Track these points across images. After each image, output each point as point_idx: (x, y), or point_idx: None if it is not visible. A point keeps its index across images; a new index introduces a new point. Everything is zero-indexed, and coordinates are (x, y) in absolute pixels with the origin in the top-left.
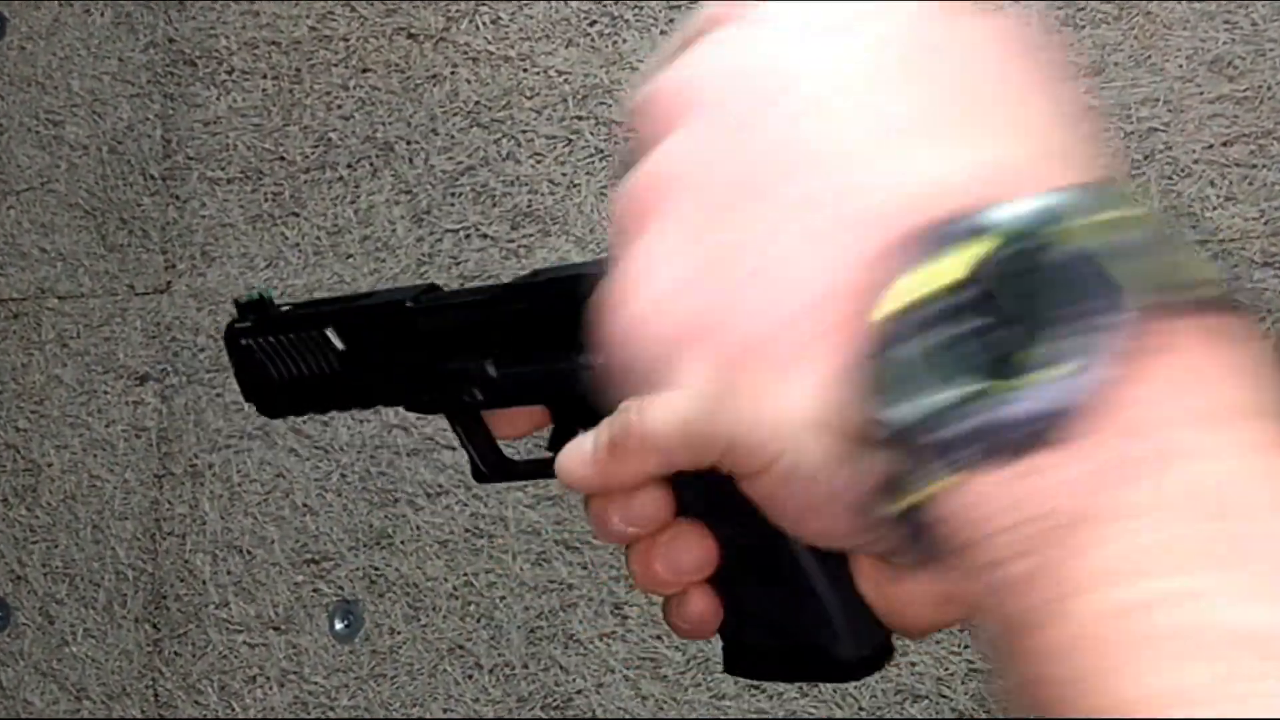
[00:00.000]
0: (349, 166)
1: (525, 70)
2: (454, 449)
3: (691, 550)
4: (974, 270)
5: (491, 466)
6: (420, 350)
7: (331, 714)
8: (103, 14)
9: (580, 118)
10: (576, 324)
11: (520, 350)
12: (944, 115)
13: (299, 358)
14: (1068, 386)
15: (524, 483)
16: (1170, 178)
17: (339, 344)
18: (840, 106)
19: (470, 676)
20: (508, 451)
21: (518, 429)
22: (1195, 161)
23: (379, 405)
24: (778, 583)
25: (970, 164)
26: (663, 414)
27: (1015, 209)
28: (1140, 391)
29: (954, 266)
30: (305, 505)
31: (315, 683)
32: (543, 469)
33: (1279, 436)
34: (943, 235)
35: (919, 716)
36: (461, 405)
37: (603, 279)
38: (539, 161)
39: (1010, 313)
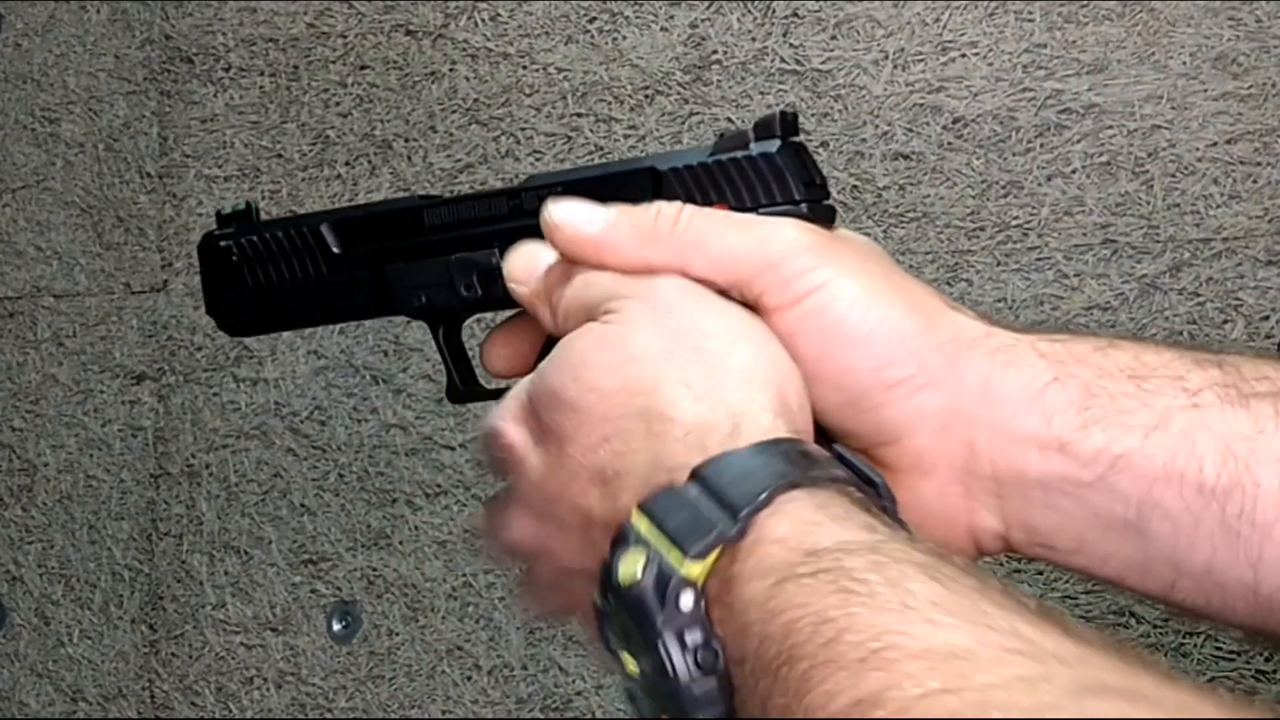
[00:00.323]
0: (347, 164)
1: (524, 67)
2: (453, 449)
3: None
4: (627, 581)
5: (466, 382)
6: (424, 245)
7: (329, 715)
8: (99, 11)
9: (580, 115)
10: None
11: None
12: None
13: (284, 261)
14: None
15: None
16: (1174, 175)
17: (334, 245)
18: (563, 489)
19: (469, 678)
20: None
21: (510, 357)
22: (1199, 159)
23: (361, 317)
24: None
25: (629, 481)
26: None
27: (644, 521)
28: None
29: (630, 564)
30: (303, 505)
31: (313, 684)
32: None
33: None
34: (608, 572)
35: None
36: (458, 302)
37: (621, 179)
38: (538, 159)
39: (641, 629)
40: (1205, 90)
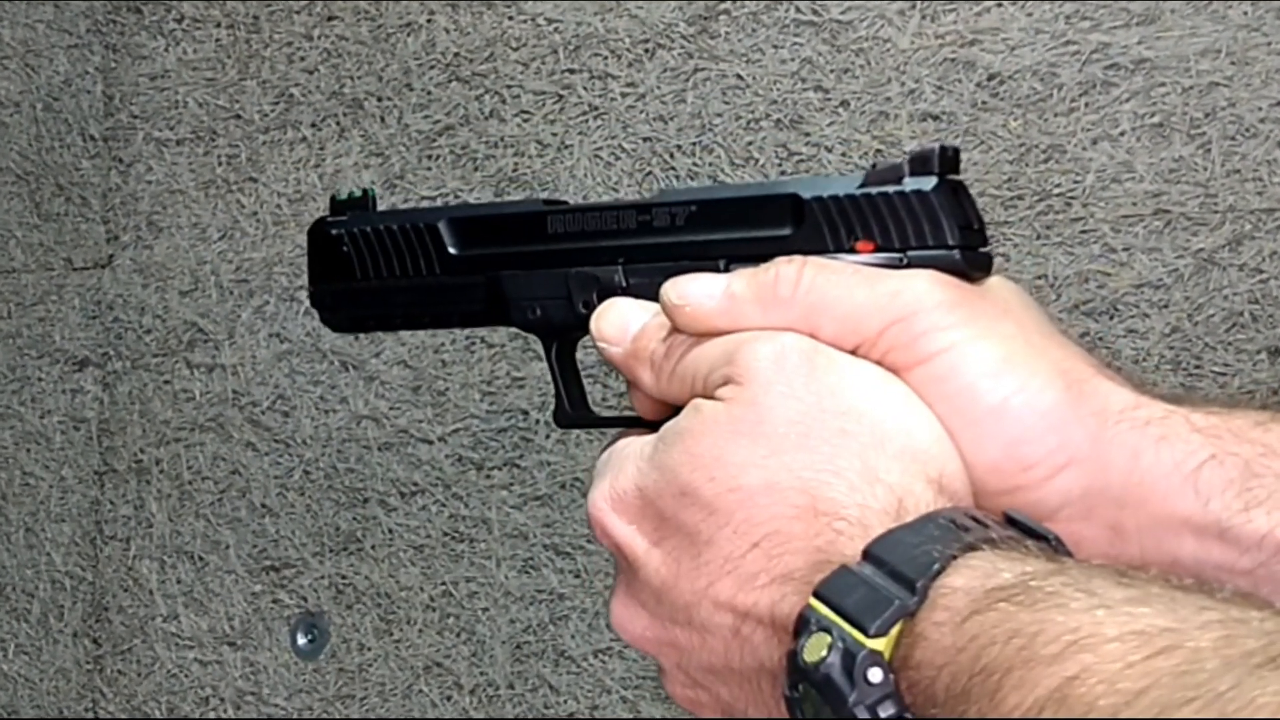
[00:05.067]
0: (313, 126)
1: (510, 18)
2: (430, 443)
3: None
4: (814, 663)
5: (575, 405)
6: (544, 254)
7: None
8: None
9: (572, 71)
10: (714, 244)
11: (652, 260)
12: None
13: (397, 257)
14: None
15: (511, 483)
16: (1234, 138)
17: (451, 244)
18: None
19: (449, 698)
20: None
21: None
22: (1262, 120)
23: (472, 325)
24: None
25: (796, 547)
26: None
27: (825, 606)
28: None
29: (815, 648)
30: (264, 506)
31: (275, 704)
32: (622, 421)
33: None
34: (794, 659)
35: None
36: (574, 318)
37: (760, 203)
38: (526, 120)
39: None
40: (1268, 43)
